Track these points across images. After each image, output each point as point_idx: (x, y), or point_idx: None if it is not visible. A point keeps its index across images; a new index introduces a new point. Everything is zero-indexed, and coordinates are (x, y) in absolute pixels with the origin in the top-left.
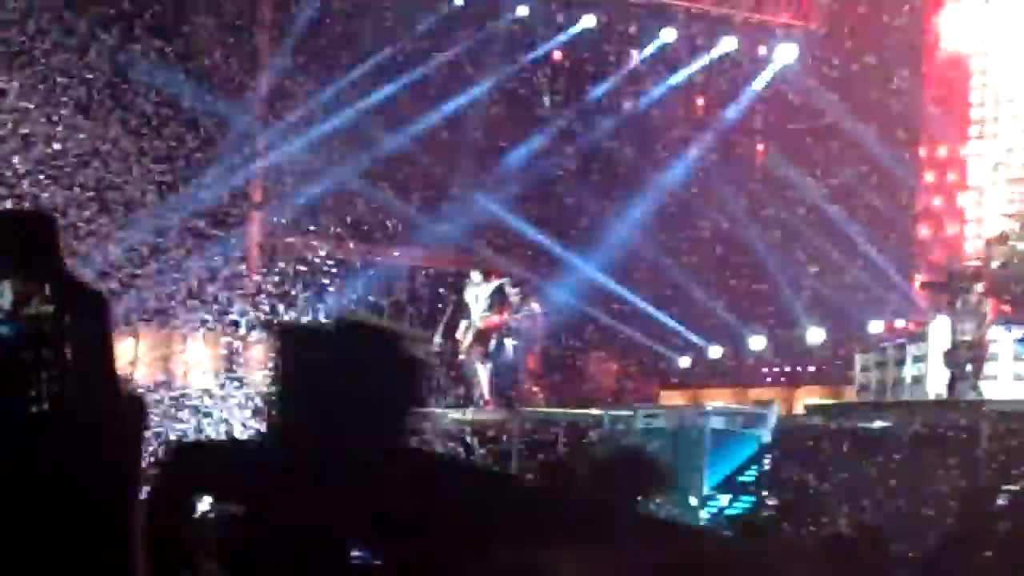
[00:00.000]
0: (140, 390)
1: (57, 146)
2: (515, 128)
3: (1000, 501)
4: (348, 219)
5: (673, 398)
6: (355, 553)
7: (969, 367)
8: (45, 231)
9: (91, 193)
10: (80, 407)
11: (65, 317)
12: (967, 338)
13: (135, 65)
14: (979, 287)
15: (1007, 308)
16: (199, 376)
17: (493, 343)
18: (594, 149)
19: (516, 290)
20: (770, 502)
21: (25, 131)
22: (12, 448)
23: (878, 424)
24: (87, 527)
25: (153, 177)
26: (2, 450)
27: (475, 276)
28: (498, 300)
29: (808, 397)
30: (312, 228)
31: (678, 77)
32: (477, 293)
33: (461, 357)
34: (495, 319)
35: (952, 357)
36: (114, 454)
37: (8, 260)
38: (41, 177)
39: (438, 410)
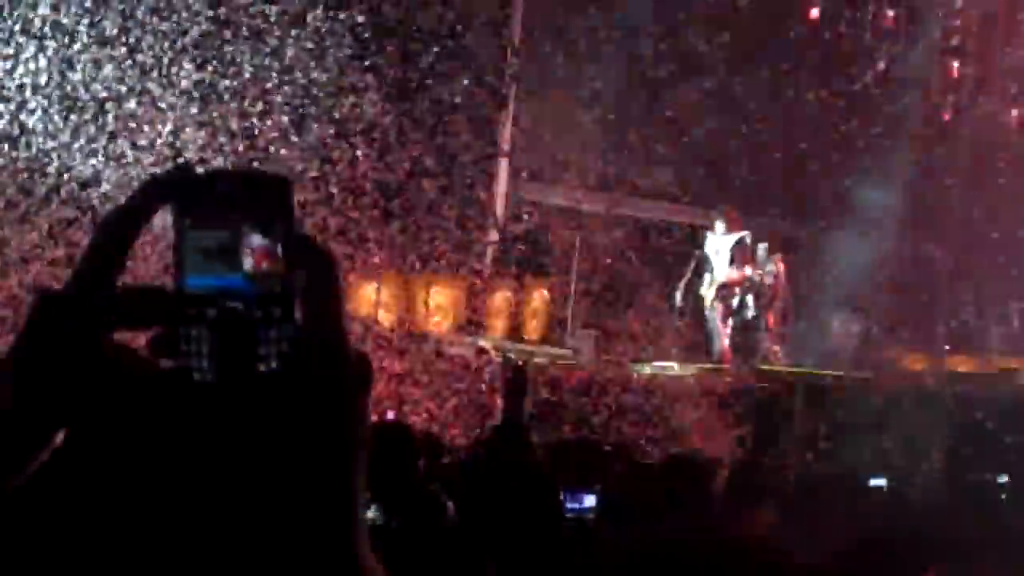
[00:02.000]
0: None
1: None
2: (768, 82)
3: None
4: (593, 172)
5: (917, 363)
6: None
7: None
8: (281, 190)
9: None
10: (309, 367)
11: (296, 275)
12: None
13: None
14: None
15: None
16: (440, 322)
17: (736, 299)
18: (845, 107)
19: (762, 245)
20: (1002, 478)
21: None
22: (241, 409)
23: None
24: (312, 489)
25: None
26: (232, 411)
27: (718, 227)
28: (740, 253)
29: None
30: (557, 179)
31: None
32: (718, 247)
33: (705, 312)
34: (736, 273)
35: None
36: (341, 415)
37: (242, 217)
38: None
39: (673, 363)
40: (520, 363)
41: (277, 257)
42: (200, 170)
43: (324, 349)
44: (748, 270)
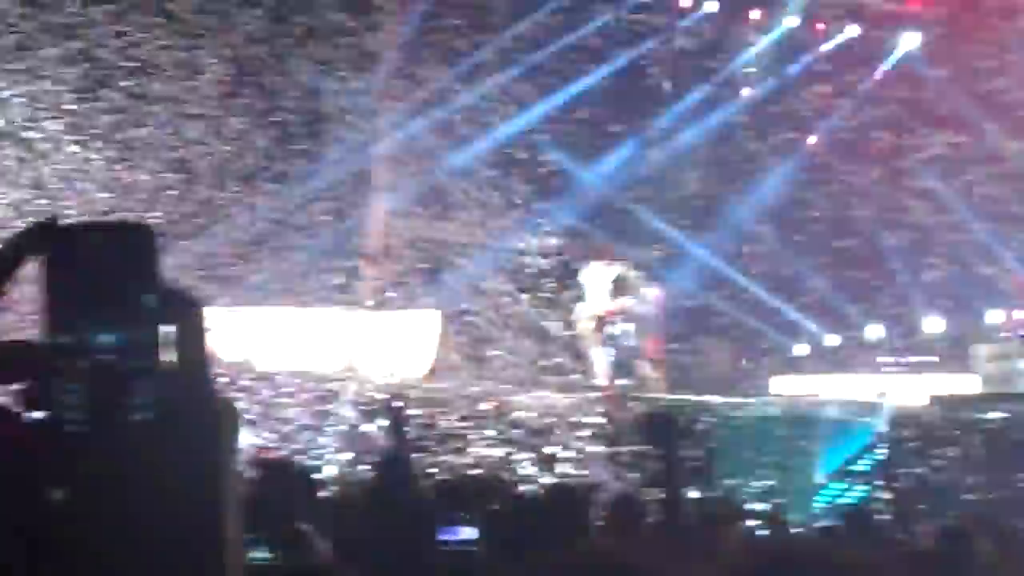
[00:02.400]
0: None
1: (172, 129)
2: (635, 112)
3: None
4: (467, 203)
5: (789, 386)
6: None
7: None
8: (146, 241)
9: (209, 174)
10: (177, 416)
11: (163, 324)
12: None
13: (254, 45)
14: None
15: None
16: (320, 358)
17: (612, 327)
18: (713, 135)
19: (636, 274)
20: (884, 493)
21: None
22: (116, 456)
23: (999, 415)
24: (183, 531)
25: (273, 156)
26: (106, 458)
27: (595, 261)
28: (619, 285)
29: (926, 387)
30: (430, 211)
31: (800, 63)
32: (595, 277)
33: (580, 340)
34: (614, 305)
35: None
36: (213, 461)
37: (109, 269)
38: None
39: (553, 392)
40: (395, 397)
41: (146, 308)
42: (66, 223)
43: (194, 398)
44: (626, 299)
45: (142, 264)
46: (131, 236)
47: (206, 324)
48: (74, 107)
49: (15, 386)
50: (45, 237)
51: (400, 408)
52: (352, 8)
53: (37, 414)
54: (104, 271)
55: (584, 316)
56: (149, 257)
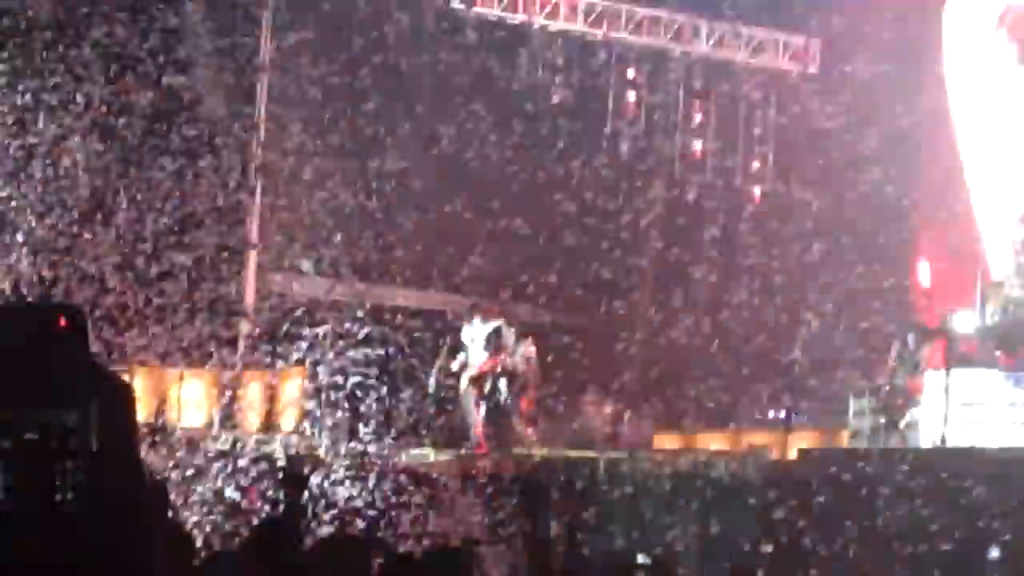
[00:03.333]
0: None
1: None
2: (513, 166)
3: (993, 553)
4: (343, 260)
5: (669, 442)
6: None
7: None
8: (72, 321)
9: (87, 225)
10: (106, 495)
11: (91, 406)
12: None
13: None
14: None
15: (1007, 359)
16: (193, 415)
17: (488, 384)
18: (594, 189)
19: (511, 330)
20: (763, 549)
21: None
22: (39, 537)
23: (868, 471)
24: None
25: (151, 209)
26: (29, 539)
27: (474, 319)
28: (495, 342)
29: (802, 442)
30: (307, 269)
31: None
32: (474, 335)
33: (460, 398)
34: (491, 361)
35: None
36: (138, 541)
37: (37, 351)
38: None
39: (428, 451)
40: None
41: (70, 387)
42: None
43: (121, 478)
44: (502, 357)
45: (71, 345)
46: (60, 317)
47: (133, 404)
48: None
49: None
50: None
51: (299, 464)
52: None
53: None
54: (32, 351)
55: (462, 372)
56: (78, 338)
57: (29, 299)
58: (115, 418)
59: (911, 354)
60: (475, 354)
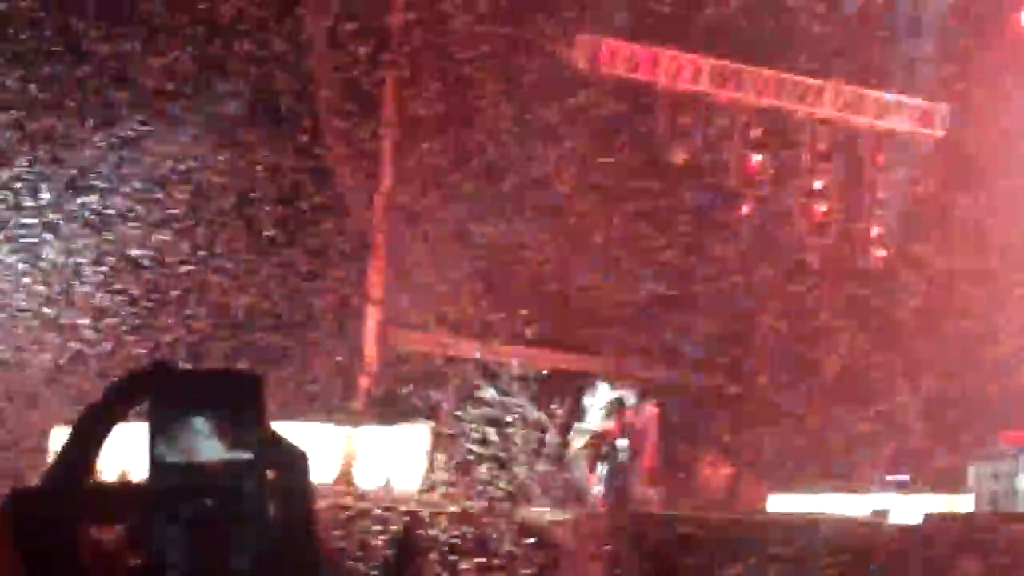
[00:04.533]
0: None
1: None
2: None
3: None
4: (462, 316)
5: (784, 503)
6: None
7: None
8: (251, 388)
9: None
10: (283, 561)
11: (267, 473)
12: None
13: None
14: None
15: None
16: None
17: (606, 446)
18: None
19: (633, 390)
20: None
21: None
22: None
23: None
24: None
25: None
26: None
27: (601, 385)
28: (616, 408)
29: (922, 505)
30: (429, 325)
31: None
32: (596, 399)
33: (570, 457)
34: (611, 426)
35: None
36: None
37: (216, 415)
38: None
39: (546, 509)
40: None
41: (249, 455)
42: (177, 368)
43: (296, 549)
44: (623, 423)
45: (248, 411)
46: (238, 382)
47: (310, 473)
48: None
49: (118, 528)
50: (154, 379)
51: (413, 525)
52: None
53: (138, 558)
54: (210, 416)
55: (578, 434)
56: (256, 405)
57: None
58: (290, 488)
59: None
60: (594, 418)
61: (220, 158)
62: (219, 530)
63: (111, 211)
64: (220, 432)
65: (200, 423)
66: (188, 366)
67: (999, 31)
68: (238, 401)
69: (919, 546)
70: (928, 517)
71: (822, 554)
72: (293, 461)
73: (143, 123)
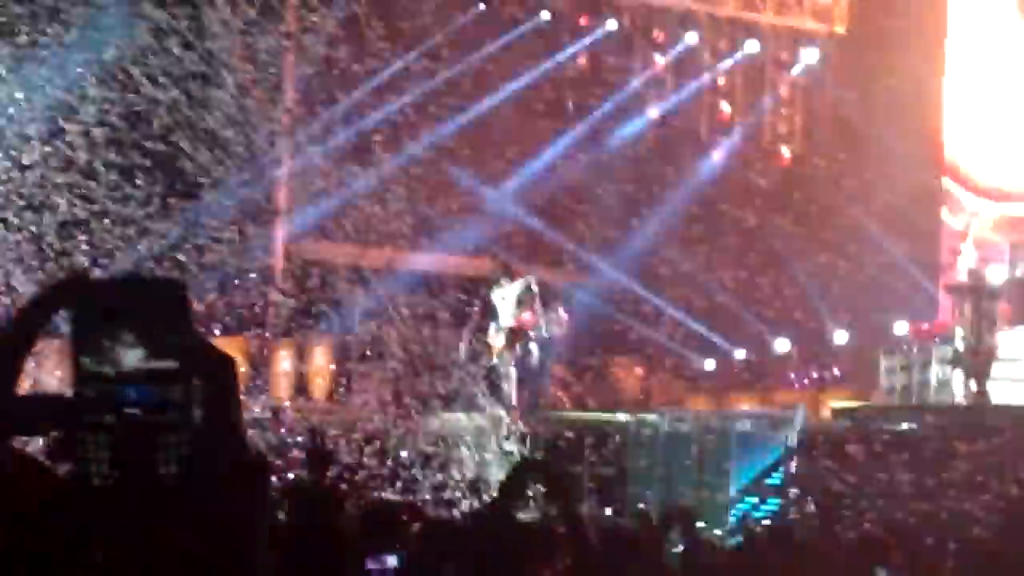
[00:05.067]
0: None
1: (75, 151)
2: (540, 132)
3: None
4: (371, 226)
5: (699, 402)
6: None
7: (980, 372)
8: (174, 295)
9: (113, 193)
10: (208, 469)
11: (192, 379)
12: (982, 343)
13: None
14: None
15: None
16: None
17: (520, 348)
18: (619, 153)
19: (537, 289)
20: (797, 505)
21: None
22: (142, 512)
23: (905, 427)
24: None
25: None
26: (132, 514)
27: (503, 279)
28: (527, 298)
29: (834, 400)
30: (335, 235)
31: (701, 80)
32: (504, 294)
33: (493, 361)
34: (526, 317)
35: (970, 362)
36: (241, 515)
37: (138, 324)
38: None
39: (461, 415)
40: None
41: (174, 362)
42: (95, 277)
43: (223, 453)
44: (534, 316)
45: (172, 319)
46: (161, 290)
47: (236, 379)
48: None
49: (42, 439)
50: (73, 290)
51: (321, 437)
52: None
53: (64, 467)
54: (133, 325)
55: (496, 334)
56: (179, 312)
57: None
58: (217, 393)
59: (987, 311)
60: (507, 314)
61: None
62: (145, 437)
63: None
64: (143, 340)
65: (122, 332)
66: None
67: None
68: (160, 309)
69: (822, 441)
70: (833, 411)
71: (734, 450)
72: (218, 367)
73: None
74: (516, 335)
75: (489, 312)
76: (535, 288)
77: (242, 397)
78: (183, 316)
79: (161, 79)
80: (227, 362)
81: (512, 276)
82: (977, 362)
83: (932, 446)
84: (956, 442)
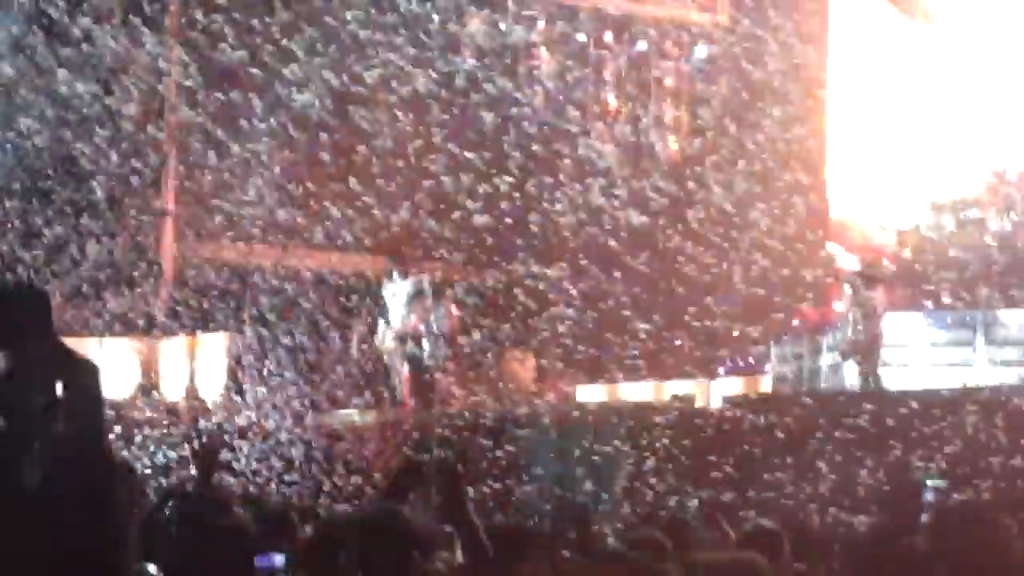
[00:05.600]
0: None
1: None
2: (428, 130)
3: (927, 495)
4: (261, 224)
5: (592, 394)
6: None
7: (868, 357)
8: (37, 304)
9: None
10: (74, 475)
11: (58, 387)
12: (864, 329)
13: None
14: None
15: (925, 299)
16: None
17: (411, 343)
18: (505, 148)
19: (432, 288)
20: (690, 496)
21: None
22: (8, 517)
23: (796, 414)
24: None
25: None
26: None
27: (395, 275)
28: (417, 299)
29: (725, 388)
30: (224, 234)
31: (587, 74)
32: (395, 290)
33: (384, 358)
34: (412, 320)
35: (853, 348)
36: (107, 518)
37: (2, 332)
38: None
39: (353, 412)
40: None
41: (37, 371)
42: None
43: (86, 461)
44: (424, 315)
45: (33, 327)
46: (21, 298)
47: (99, 386)
48: None
49: None
50: None
51: (209, 436)
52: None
53: None
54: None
55: (384, 332)
56: (41, 320)
57: None
58: (79, 401)
59: (865, 299)
60: (397, 311)
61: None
62: (7, 447)
63: None
64: (5, 348)
65: None
66: None
67: None
68: (22, 317)
69: (715, 430)
70: (724, 400)
71: (624, 440)
72: (82, 375)
73: None
74: (403, 334)
75: (379, 309)
76: (427, 288)
77: (135, 398)
78: (44, 324)
79: (37, 80)
80: (90, 369)
81: (405, 272)
82: (864, 349)
83: (814, 433)
84: (839, 429)
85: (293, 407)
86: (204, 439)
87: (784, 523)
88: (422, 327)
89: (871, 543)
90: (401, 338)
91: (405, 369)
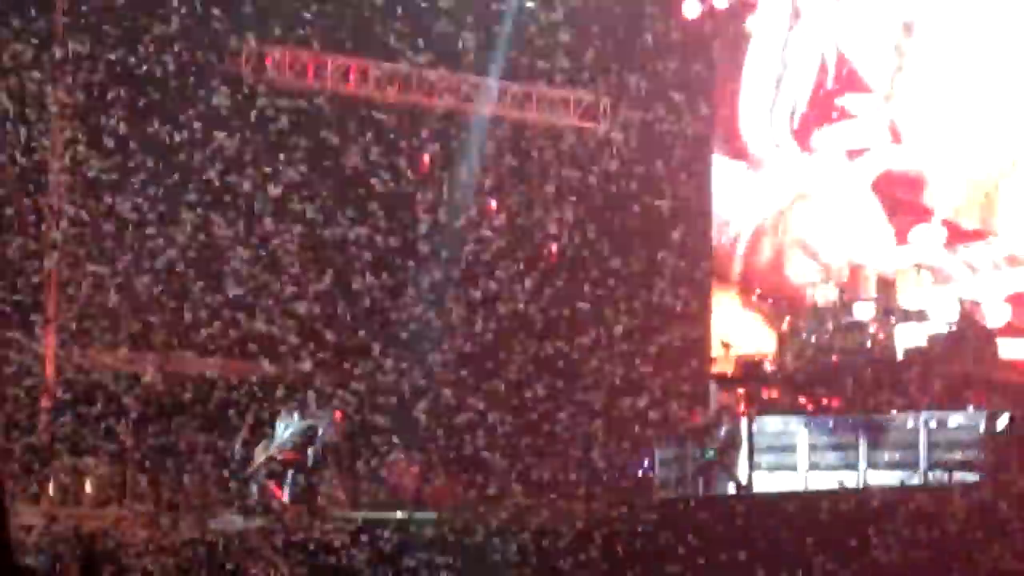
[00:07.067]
0: None
1: None
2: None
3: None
4: (141, 330)
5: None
6: None
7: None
8: None
9: None
10: None
11: None
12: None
13: None
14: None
15: (805, 402)
16: None
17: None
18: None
19: (314, 395)
20: None
21: None
22: None
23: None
24: None
25: None
26: None
27: (295, 414)
28: (305, 439)
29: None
30: (105, 340)
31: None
32: (288, 424)
33: (252, 470)
34: (293, 455)
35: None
36: None
37: None
38: None
39: (235, 518)
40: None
41: None
42: None
43: None
44: (298, 455)
45: None
46: None
47: (5, 494)
48: None
49: None
50: None
51: (91, 543)
52: None
53: None
54: None
55: (262, 452)
56: None
57: None
58: None
59: (725, 401)
60: (281, 443)
61: None
62: None
63: None
64: None
65: None
66: None
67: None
68: None
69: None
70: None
71: (509, 546)
72: None
73: None
74: (281, 464)
75: (264, 426)
76: (320, 432)
77: (14, 507)
78: None
79: None
80: None
81: (303, 414)
82: (726, 451)
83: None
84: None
85: (177, 511)
86: (85, 547)
87: None
88: (294, 461)
89: None
90: (274, 463)
91: (289, 475)
